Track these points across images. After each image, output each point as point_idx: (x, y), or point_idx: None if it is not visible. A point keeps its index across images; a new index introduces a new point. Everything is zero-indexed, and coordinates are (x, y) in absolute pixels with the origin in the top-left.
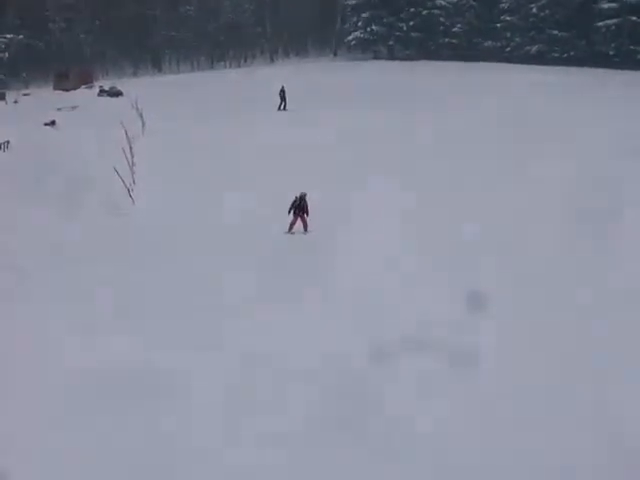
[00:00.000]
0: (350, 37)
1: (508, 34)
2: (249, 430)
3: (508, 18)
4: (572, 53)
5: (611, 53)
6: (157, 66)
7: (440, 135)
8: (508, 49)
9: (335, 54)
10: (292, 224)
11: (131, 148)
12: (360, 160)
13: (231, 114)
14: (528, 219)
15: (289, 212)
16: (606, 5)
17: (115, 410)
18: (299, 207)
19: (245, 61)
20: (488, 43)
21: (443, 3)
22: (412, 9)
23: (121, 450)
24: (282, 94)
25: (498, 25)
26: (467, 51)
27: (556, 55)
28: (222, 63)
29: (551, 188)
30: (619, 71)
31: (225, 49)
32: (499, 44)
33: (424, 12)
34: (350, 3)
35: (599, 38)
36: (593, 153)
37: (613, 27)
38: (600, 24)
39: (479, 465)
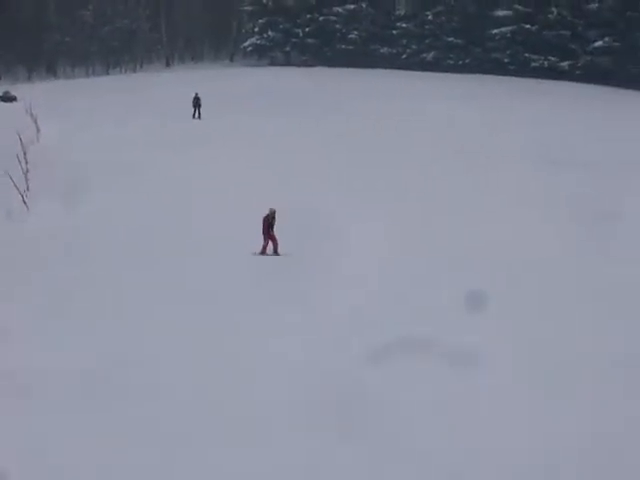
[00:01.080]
0: (246, 43)
1: (404, 41)
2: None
3: (404, 25)
4: (467, 60)
5: (506, 60)
6: (52, 71)
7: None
8: (404, 56)
9: (231, 60)
10: (265, 247)
11: (25, 154)
12: (301, 170)
13: (129, 118)
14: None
15: (263, 232)
16: (501, 13)
17: None
18: (270, 225)
19: (141, 66)
20: (384, 50)
21: (339, 10)
22: (308, 15)
23: None
24: (196, 102)
25: (394, 32)
26: (363, 57)
27: (451, 62)
28: (117, 69)
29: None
30: (514, 78)
31: (120, 54)
32: (395, 51)
33: (320, 18)
34: (246, 9)
35: (494, 45)
36: (515, 163)
37: (508, 35)
38: (495, 32)
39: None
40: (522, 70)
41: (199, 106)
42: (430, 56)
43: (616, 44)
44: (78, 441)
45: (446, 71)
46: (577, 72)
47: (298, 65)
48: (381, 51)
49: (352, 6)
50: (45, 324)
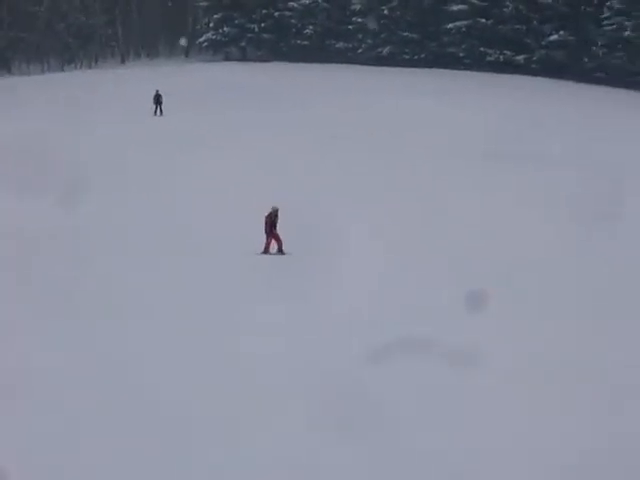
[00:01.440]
0: (202, 38)
1: (360, 36)
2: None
3: (360, 20)
4: (423, 55)
5: (461, 55)
6: (5, 67)
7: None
8: (360, 50)
9: (187, 55)
10: (268, 245)
11: None
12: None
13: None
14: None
15: (266, 231)
16: (456, 7)
17: None
18: (273, 224)
19: (96, 62)
20: (340, 44)
21: (295, 5)
22: (264, 11)
23: None
24: (157, 99)
25: (350, 27)
26: (319, 53)
27: (407, 57)
28: (73, 65)
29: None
30: (470, 72)
31: (76, 51)
32: (351, 45)
33: (276, 14)
34: (202, 5)
35: (450, 40)
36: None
37: (463, 29)
38: (450, 26)
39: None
40: (477, 64)
41: (160, 103)
42: (385, 51)
43: (571, 38)
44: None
45: (402, 66)
46: (532, 66)
47: (254, 60)
48: (337, 46)
49: (307, 1)
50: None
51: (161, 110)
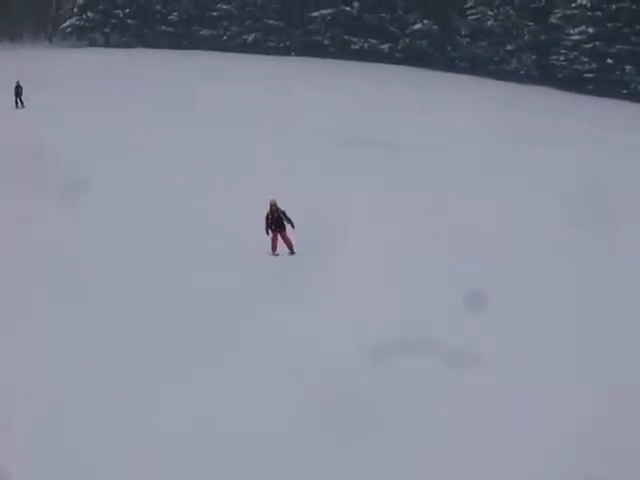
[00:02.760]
0: (66, 23)
1: (225, 22)
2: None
3: (225, 7)
4: (288, 42)
5: (326, 43)
6: None
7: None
8: (225, 37)
9: (50, 41)
10: (273, 242)
11: None
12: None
13: None
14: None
15: (267, 231)
16: None
17: None
18: (276, 222)
19: None
20: (205, 31)
21: None
22: None
23: None
24: (17, 90)
25: (215, 14)
26: (184, 39)
27: (272, 44)
28: None
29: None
30: (335, 61)
31: None
32: (216, 32)
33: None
34: None
35: (315, 28)
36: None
37: (328, 17)
38: (315, 14)
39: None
40: (342, 52)
41: (20, 95)
42: (251, 38)
43: (435, 27)
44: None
45: (267, 53)
46: (397, 55)
47: (118, 46)
48: (201, 33)
49: None
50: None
51: (22, 102)
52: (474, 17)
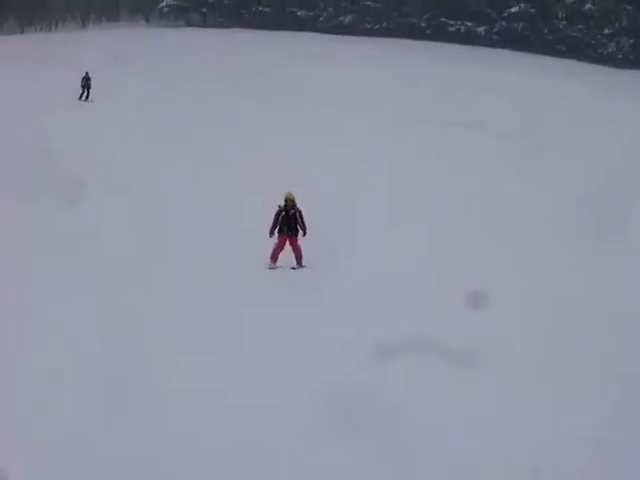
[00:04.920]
0: (163, 3)
1: (321, 4)
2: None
3: None
4: (384, 24)
5: (423, 25)
6: None
7: None
8: (321, 19)
9: (147, 20)
10: (277, 251)
11: None
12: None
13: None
14: None
15: (271, 232)
16: None
17: None
18: (288, 223)
19: (57, 26)
20: (301, 12)
21: None
22: None
23: None
24: (85, 82)
25: None
26: (280, 20)
27: (368, 26)
28: (33, 27)
29: None
30: (430, 43)
31: (35, 13)
32: (312, 13)
33: None
34: None
35: (411, 10)
36: None
37: None
38: None
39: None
40: (438, 35)
41: (89, 87)
42: (347, 19)
43: (532, 10)
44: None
45: (363, 35)
46: (493, 37)
47: (215, 26)
48: (298, 14)
49: None
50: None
51: (88, 93)
52: (571, 0)
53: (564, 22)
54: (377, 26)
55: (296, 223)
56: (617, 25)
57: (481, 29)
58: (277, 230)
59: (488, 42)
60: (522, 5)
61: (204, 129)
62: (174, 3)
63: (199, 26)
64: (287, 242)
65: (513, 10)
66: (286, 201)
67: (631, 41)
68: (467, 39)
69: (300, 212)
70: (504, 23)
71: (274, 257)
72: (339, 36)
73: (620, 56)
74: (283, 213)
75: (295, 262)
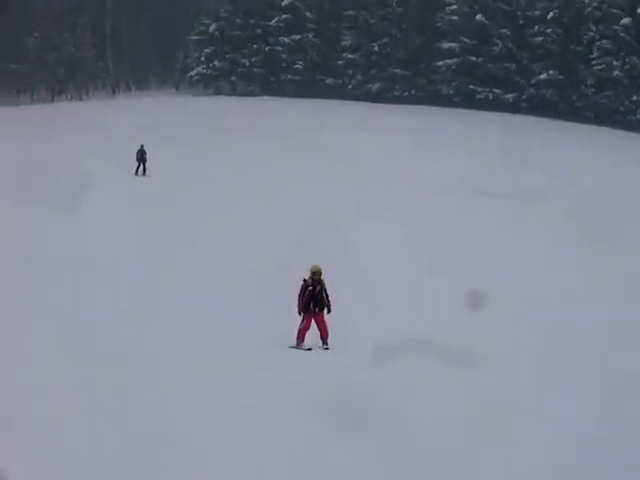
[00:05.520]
0: (193, 72)
1: (350, 71)
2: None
3: (350, 55)
4: (413, 92)
5: (451, 92)
6: None
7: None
8: (350, 87)
9: (177, 89)
10: (303, 330)
11: None
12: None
13: None
14: None
15: (300, 311)
16: (447, 45)
17: None
18: (314, 299)
19: (87, 94)
20: (330, 80)
21: (286, 40)
22: (255, 45)
23: None
24: (140, 155)
25: (340, 62)
26: (309, 88)
27: (397, 94)
28: (63, 96)
29: None
30: (459, 110)
31: (66, 82)
32: (341, 81)
33: (267, 48)
34: (193, 38)
35: (440, 77)
36: None
37: (453, 67)
38: (440, 63)
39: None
40: (467, 102)
41: (144, 160)
42: (376, 87)
43: (560, 77)
44: None
45: (392, 102)
46: (522, 104)
47: (244, 95)
48: (327, 82)
49: (298, 36)
50: None
51: (144, 168)
52: (599, 67)
53: (592, 89)
54: (405, 93)
55: (322, 298)
56: None
57: (509, 96)
58: (304, 307)
59: (516, 109)
60: (551, 72)
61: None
62: (204, 72)
63: (228, 94)
64: (313, 320)
65: (542, 77)
66: (313, 274)
67: None
68: (495, 106)
69: (324, 285)
70: (532, 90)
71: (301, 337)
72: (368, 103)
73: None
74: (310, 288)
75: (320, 341)
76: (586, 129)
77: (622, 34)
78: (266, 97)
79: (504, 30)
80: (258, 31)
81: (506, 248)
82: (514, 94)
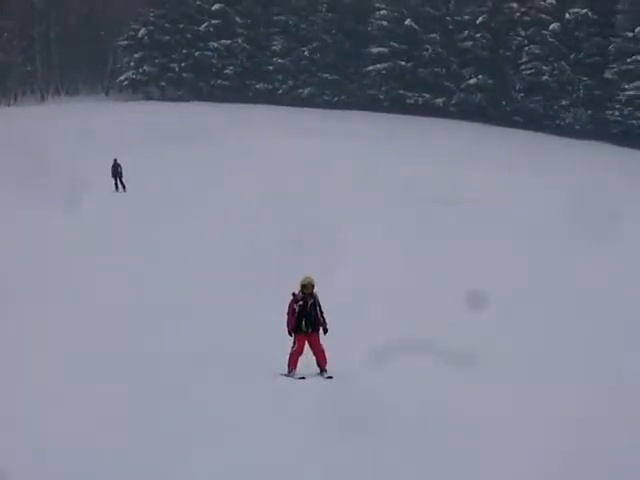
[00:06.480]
0: (122, 77)
1: (280, 77)
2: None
3: (280, 60)
4: (343, 97)
5: (381, 97)
6: None
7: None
8: (280, 92)
9: (107, 94)
10: (295, 355)
11: None
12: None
13: None
14: None
15: (291, 331)
16: (375, 50)
17: None
18: (307, 316)
19: (15, 100)
20: (260, 85)
21: (215, 45)
22: (184, 50)
23: None
24: (114, 170)
25: (270, 67)
26: (239, 93)
27: (327, 98)
28: None
29: None
30: (389, 115)
31: None
32: (271, 86)
33: (196, 54)
34: (122, 43)
35: (369, 82)
36: None
37: (383, 71)
38: (370, 68)
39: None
40: (397, 106)
41: (120, 175)
42: (306, 92)
43: (490, 82)
44: None
45: (322, 107)
46: (451, 109)
47: (173, 100)
48: (257, 87)
49: (228, 41)
50: None
51: (122, 184)
52: (529, 72)
53: (522, 94)
54: (335, 99)
55: (316, 316)
56: (574, 96)
57: (439, 101)
58: (294, 327)
59: (445, 113)
60: (480, 77)
61: None
62: (133, 77)
63: (158, 99)
64: (306, 342)
65: (471, 82)
66: (303, 287)
67: (588, 112)
68: (425, 111)
69: (317, 300)
70: (462, 95)
71: (293, 363)
72: (297, 108)
73: (577, 127)
74: (300, 303)
75: (318, 368)
76: (514, 133)
77: (551, 39)
78: (196, 102)
79: (434, 35)
80: (188, 36)
81: (502, 251)
82: (443, 99)
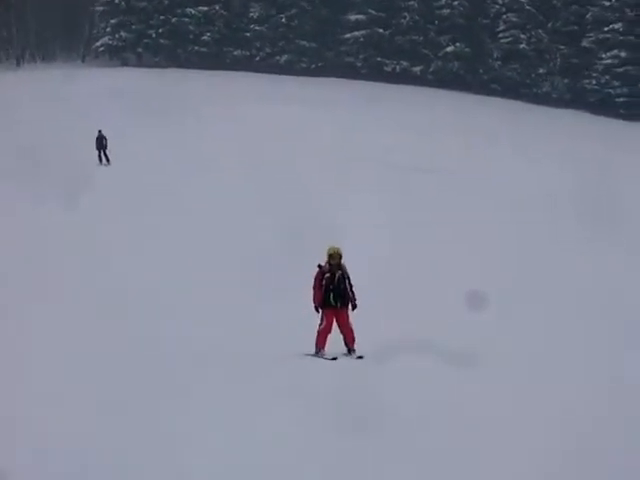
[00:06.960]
0: (98, 43)
1: (258, 44)
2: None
3: (257, 28)
4: (320, 64)
5: (359, 65)
6: None
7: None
8: (257, 59)
9: (83, 60)
10: (324, 333)
11: None
12: None
13: None
14: None
15: (318, 307)
16: (353, 17)
17: None
18: (335, 289)
19: None
20: (237, 52)
21: (193, 11)
22: (162, 17)
23: None
24: (99, 142)
25: (248, 34)
26: (217, 60)
27: (304, 65)
28: None
29: None
30: (367, 82)
31: None
32: (248, 53)
33: (173, 20)
34: (98, 9)
35: (347, 49)
36: None
37: (361, 39)
38: (348, 36)
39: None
40: (374, 74)
41: (105, 147)
42: (283, 59)
43: (467, 50)
44: None
45: (299, 74)
46: (429, 77)
47: (150, 66)
48: (234, 53)
49: (205, 8)
50: None
51: (107, 156)
52: (506, 40)
53: (499, 62)
54: (313, 66)
55: (345, 289)
56: (552, 65)
57: (417, 69)
58: (322, 302)
59: (423, 81)
60: (457, 45)
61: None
62: (110, 43)
63: (135, 66)
64: (334, 318)
65: (449, 50)
66: (330, 257)
67: (565, 81)
68: (402, 79)
69: (347, 274)
70: (439, 63)
71: (321, 342)
72: (275, 75)
73: (555, 95)
74: (327, 275)
75: (345, 347)
76: (493, 102)
77: (528, 7)
78: (173, 69)
79: (411, 2)
80: (165, 2)
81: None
82: (421, 66)
